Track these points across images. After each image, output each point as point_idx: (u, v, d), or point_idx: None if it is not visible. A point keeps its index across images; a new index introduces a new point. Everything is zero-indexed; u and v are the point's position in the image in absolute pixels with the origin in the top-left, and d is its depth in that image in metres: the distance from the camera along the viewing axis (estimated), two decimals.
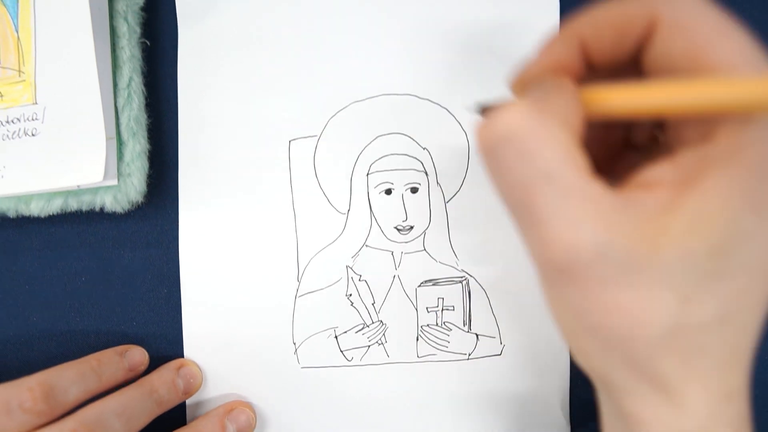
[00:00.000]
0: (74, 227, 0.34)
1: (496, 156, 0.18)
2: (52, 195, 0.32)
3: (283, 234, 0.33)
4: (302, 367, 0.33)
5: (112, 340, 0.34)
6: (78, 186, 0.31)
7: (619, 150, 0.23)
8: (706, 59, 0.17)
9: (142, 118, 0.33)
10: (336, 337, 0.33)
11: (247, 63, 0.34)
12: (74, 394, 0.28)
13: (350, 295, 0.33)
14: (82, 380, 0.29)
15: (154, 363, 0.33)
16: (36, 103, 0.32)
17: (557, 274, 0.18)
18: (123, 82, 0.32)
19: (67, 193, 0.32)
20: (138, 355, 0.33)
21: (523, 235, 0.19)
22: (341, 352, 0.33)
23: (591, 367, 0.20)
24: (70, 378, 0.29)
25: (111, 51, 0.32)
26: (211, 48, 0.34)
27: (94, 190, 0.32)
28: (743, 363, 0.19)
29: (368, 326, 0.33)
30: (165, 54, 0.34)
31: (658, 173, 0.18)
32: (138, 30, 0.33)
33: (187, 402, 0.34)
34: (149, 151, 0.33)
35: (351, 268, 0.34)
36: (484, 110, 0.20)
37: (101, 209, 0.32)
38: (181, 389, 0.32)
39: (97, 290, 0.34)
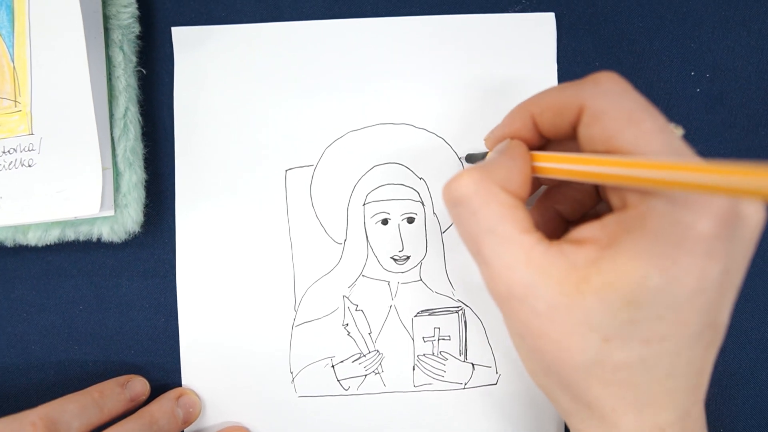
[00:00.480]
0: (72, 256, 0.34)
1: (454, 213, 0.23)
2: (49, 225, 0.32)
3: (280, 264, 0.33)
4: (299, 396, 0.33)
5: (110, 369, 0.34)
6: (75, 217, 0.31)
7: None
8: (616, 144, 0.21)
9: (139, 147, 0.33)
10: (333, 366, 0.34)
11: (243, 92, 0.34)
12: (76, 428, 0.29)
13: (347, 324, 0.34)
14: (84, 413, 0.29)
15: (153, 392, 0.33)
16: (32, 133, 0.32)
17: (502, 304, 0.22)
18: (119, 112, 0.32)
19: (65, 224, 0.32)
20: (139, 386, 0.33)
21: (480, 272, 0.23)
22: (338, 381, 0.33)
23: (540, 385, 0.24)
24: (72, 411, 0.29)
25: (107, 80, 0.32)
26: (207, 76, 0.34)
27: (92, 221, 0.32)
28: (680, 401, 0.21)
29: (365, 356, 0.34)
30: (161, 82, 0.34)
31: (588, 232, 0.22)
32: (134, 59, 0.33)
33: (186, 431, 0.34)
34: (146, 181, 0.33)
35: (348, 298, 0.34)
36: (468, 158, 0.29)
37: (98, 239, 0.32)
38: (180, 419, 0.32)
39: (95, 319, 0.34)
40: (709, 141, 0.33)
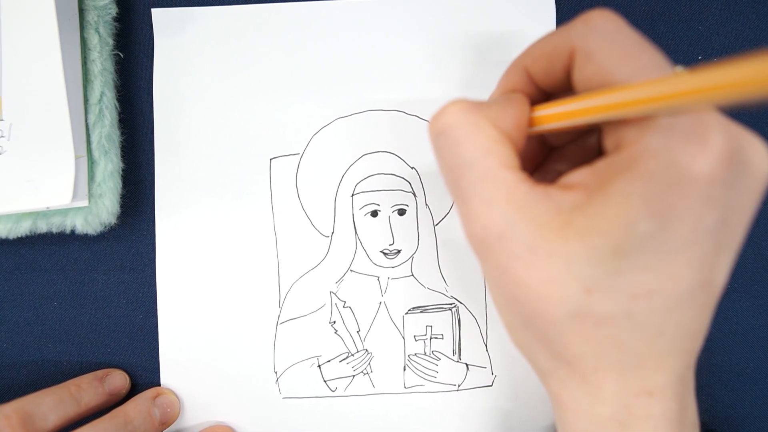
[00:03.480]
0: (45, 249, 0.32)
1: (437, 144, 0.21)
2: (20, 216, 0.31)
3: (264, 258, 0.32)
4: (284, 398, 0.32)
5: (86, 368, 0.32)
6: (47, 207, 0.30)
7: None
8: (612, 80, 0.19)
9: (115, 135, 0.31)
10: (319, 366, 0.32)
11: (227, 76, 0.32)
12: (53, 421, 0.28)
13: (334, 322, 0.32)
14: (61, 406, 0.28)
15: (130, 392, 0.32)
16: (2, 119, 0.30)
17: (477, 245, 0.20)
18: (94, 98, 0.31)
19: (36, 215, 0.31)
20: (119, 379, 0.32)
21: (457, 211, 0.21)
22: (324, 382, 0.32)
23: (517, 342, 0.22)
24: (48, 404, 0.28)
25: (82, 64, 0.31)
26: (188, 61, 0.32)
27: (64, 212, 0.30)
28: (670, 364, 0.20)
29: (353, 355, 0.32)
30: (140, 66, 0.32)
31: (577, 177, 0.20)
32: (110, 42, 0.31)
33: None
34: (123, 170, 0.31)
35: (335, 294, 0.32)
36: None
37: (72, 231, 0.30)
38: (157, 419, 0.31)
39: (69, 316, 0.32)
40: None
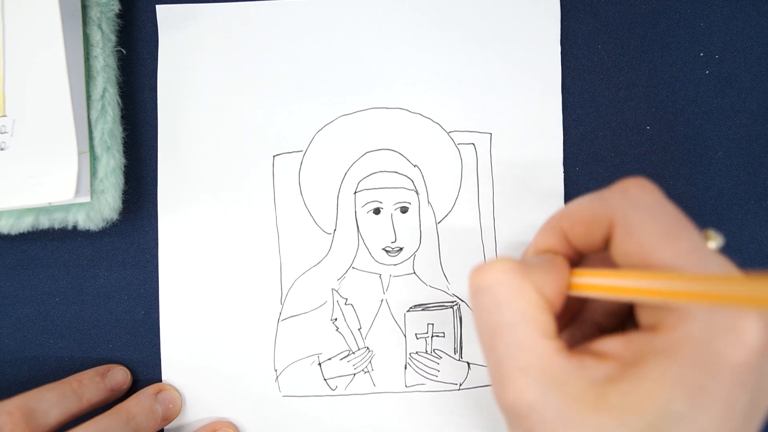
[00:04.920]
0: (47, 245, 0.32)
1: (476, 300, 0.21)
2: (22, 212, 0.31)
3: (266, 254, 0.32)
4: (283, 396, 0.32)
5: (87, 364, 0.32)
6: (49, 203, 0.30)
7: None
8: (653, 262, 0.20)
9: (117, 131, 0.31)
10: (319, 364, 0.32)
11: (231, 73, 0.32)
12: (55, 417, 0.28)
13: (335, 319, 0.32)
14: (63, 402, 0.29)
15: (132, 388, 0.32)
16: (5, 115, 0.30)
17: (507, 410, 0.20)
18: (96, 93, 0.31)
19: (38, 210, 0.31)
20: (120, 375, 0.32)
21: (488, 371, 0.21)
22: (325, 380, 0.32)
23: None
24: (50, 400, 0.28)
25: (84, 60, 0.31)
26: (192, 57, 0.32)
27: (66, 208, 0.30)
28: None
29: (354, 353, 0.32)
30: (142, 63, 0.32)
31: (611, 346, 0.20)
32: (113, 38, 0.31)
33: (165, 429, 0.32)
34: (125, 166, 0.31)
35: (336, 291, 0.32)
36: None
37: (74, 227, 0.30)
38: (159, 415, 0.31)
39: (71, 311, 0.32)
40: (718, 125, 0.32)
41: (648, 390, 0.19)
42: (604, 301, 0.25)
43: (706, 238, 0.21)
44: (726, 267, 0.20)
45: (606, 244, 0.22)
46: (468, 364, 0.32)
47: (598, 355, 0.20)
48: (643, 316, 0.21)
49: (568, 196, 0.32)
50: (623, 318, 0.25)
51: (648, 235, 0.20)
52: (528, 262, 0.22)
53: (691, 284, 0.18)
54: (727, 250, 0.31)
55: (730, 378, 0.19)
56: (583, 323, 0.25)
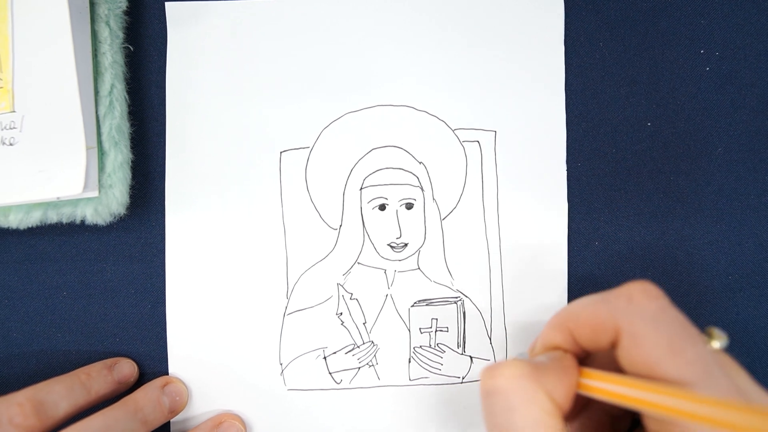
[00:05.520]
0: (55, 240, 0.33)
1: (488, 403, 0.21)
2: (30, 207, 0.31)
3: (273, 249, 0.32)
4: (288, 389, 0.32)
5: (94, 357, 0.32)
6: (58, 198, 0.30)
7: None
8: (659, 373, 0.20)
9: (125, 126, 0.31)
10: (325, 358, 0.32)
11: (238, 70, 0.32)
12: (64, 408, 0.28)
13: (341, 314, 0.32)
14: (72, 394, 0.29)
15: (138, 381, 0.32)
16: (14, 111, 0.30)
17: None
18: (104, 89, 0.31)
19: (47, 205, 0.31)
20: (127, 368, 0.32)
21: None
22: (330, 374, 0.32)
23: None
24: (59, 392, 0.28)
25: (92, 57, 0.31)
26: (201, 54, 0.32)
27: (75, 202, 0.31)
28: None
29: (359, 347, 0.32)
30: (150, 59, 0.33)
31: None
32: (121, 35, 0.31)
33: (171, 421, 0.32)
34: (132, 161, 0.31)
35: (342, 286, 0.32)
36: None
37: (82, 221, 0.31)
38: (166, 408, 0.31)
39: (79, 305, 0.33)
40: (718, 122, 0.32)
41: None
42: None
43: (710, 337, 0.22)
44: (728, 376, 0.20)
45: (612, 346, 0.22)
46: (471, 358, 0.32)
47: None
48: (649, 423, 0.21)
49: (571, 192, 0.32)
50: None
51: (653, 347, 0.20)
52: (538, 363, 0.22)
53: (694, 405, 0.18)
54: (726, 246, 0.32)
55: None
56: (595, 412, 0.25)
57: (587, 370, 0.22)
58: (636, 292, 0.21)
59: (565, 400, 0.21)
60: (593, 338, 0.22)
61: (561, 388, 0.21)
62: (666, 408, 0.19)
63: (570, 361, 0.23)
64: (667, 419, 0.20)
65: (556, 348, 0.24)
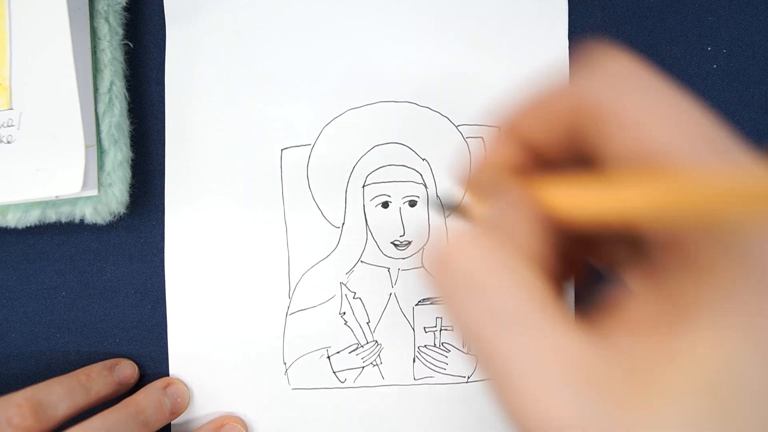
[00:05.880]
0: (54, 239, 0.32)
1: (449, 294, 0.15)
2: (29, 205, 0.30)
3: (274, 248, 0.32)
4: (293, 389, 0.32)
5: (94, 358, 0.32)
6: (56, 196, 0.30)
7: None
8: (655, 153, 0.14)
9: (125, 124, 0.31)
10: (328, 357, 0.32)
11: (238, 67, 0.32)
12: (63, 410, 0.28)
13: (344, 313, 0.32)
14: (71, 395, 0.28)
15: (139, 383, 0.32)
16: (12, 108, 0.30)
17: None
18: (104, 87, 0.30)
19: (45, 204, 0.30)
20: (128, 369, 0.31)
21: (491, 388, 0.15)
22: (334, 373, 0.32)
23: None
24: (58, 393, 0.28)
25: (91, 53, 0.30)
26: (200, 51, 0.32)
27: (74, 201, 0.30)
28: None
29: (362, 346, 0.32)
30: (149, 56, 0.32)
31: (640, 304, 0.15)
32: (120, 31, 0.31)
33: (173, 423, 0.32)
34: (132, 160, 0.31)
35: (345, 285, 0.32)
36: (450, 211, 0.17)
37: (81, 221, 0.30)
38: (168, 409, 0.31)
39: (78, 306, 0.32)
40: (726, 119, 0.32)
41: (717, 357, 0.13)
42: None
43: None
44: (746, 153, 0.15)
45: (581, 144, 0.16)
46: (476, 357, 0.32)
47: (627, 323, 0.15)
48: (658, 239, 0.15)
49: None
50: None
51: (645, 125, 0.14)
52: (495, 221, 0.16)
53: (739, 184, 0.13)
54: None
55: None
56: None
57: (554, 184, 0.16)
58: (610, 61, 0.16)
59: (539, 247, 0.16)
60: (554, 135, 0.17)
61: (531, 236, 0.16)
62: (702, 200, 0.13)
63: (530, 194, 0.16)
64: (698, 223, 0.14)
65: (507, 169, 0.18)
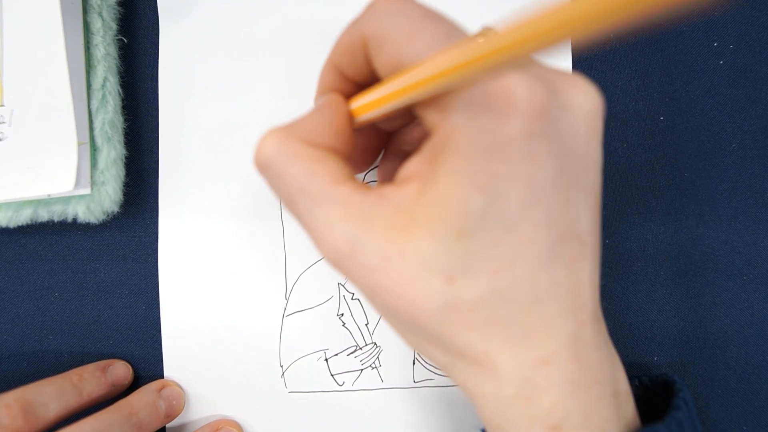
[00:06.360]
0: (46, 239, 0.32)
1: (266, 180, 0.21)
2: (20, 204, 0.30)
3: (271, 248, 0.31)
4: (290, 392, 0.31)
5: (87, 360, 0.31)
6: (48, 195, 0.29)
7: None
8: (404, 62, 0.19)
9: (118, 121, 0.30)
10: (326, 360, 0.31)
11: (233, 62, 0.31)
12: (54, 411, 0.27)
13: (342, 314, 0.31)
14: (63, 396, 0.28)
15: (133, 385, 0.31)
16: (3, 105, 0.29)
17: (335, 267, 0.20)
18: (97, 83, 0.30)
19: (37, 203, 0.30)
20: (121, 370, 0.31)
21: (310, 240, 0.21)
22: (332, 376, 0.31)
23: (412, 345, 0.21)
24: (49, 394, 0.28)
25: (84, 49, 0.30)
26: (194, 46, 0.31)
27: (66, 200, 0.30)
28: (559, 327, 0.19)
29: (361, 348, 0.31)
30: (144, 52, 0.32)
31: (411, 168, 0.20)
32: (114, 26, 0.30)
33: (167, 426, 0.31)
34: (126, 158, 0.30)
35: (343, 286, 0.31)
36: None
37: (74, 220, 0.30)
38: (162, 412, 0.30)
39: (71, 306, 0.32)
40: (732, 116, 0.31)
41: (443, 196, 0.18)
42: (407, 129, 0.24)
43: (482, 37, 0.18)
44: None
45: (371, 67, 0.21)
46: None
47: (402, 181, 0.20)
48: (426, 125, 0.20)
49: None
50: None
51: (394, 40, 0.19)
52: (294, 120, 0.21)
53: (434, 66, 0.16)
54: (741, 245, 0.31)
55: (515, 154, 0.17)
56: (392, 156, 0.25)
57: (353, 98, 0.22)
58: (378, 1, 0.20)
59: (332, 138, 0.21)
60: (353, 63, 0.21)
61: (323, 129, 0.21)
62: (416, 85, 0.17)
63: (331, 101, 0.22)
64: (425, 96, 0.18)
65: (330, 91, 0.23)
